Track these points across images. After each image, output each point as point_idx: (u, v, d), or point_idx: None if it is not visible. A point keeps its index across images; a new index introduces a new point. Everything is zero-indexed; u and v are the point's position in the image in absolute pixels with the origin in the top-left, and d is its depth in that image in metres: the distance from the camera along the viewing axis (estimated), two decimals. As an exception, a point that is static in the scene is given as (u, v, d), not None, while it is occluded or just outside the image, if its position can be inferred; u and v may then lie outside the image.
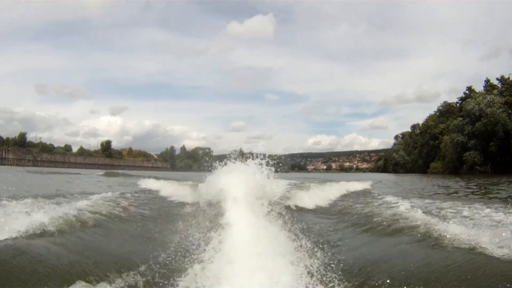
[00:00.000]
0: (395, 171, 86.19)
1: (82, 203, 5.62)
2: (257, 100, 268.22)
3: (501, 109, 43.35)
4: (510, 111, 43.73)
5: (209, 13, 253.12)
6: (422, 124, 76.60)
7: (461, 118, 47.68)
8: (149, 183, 14.06)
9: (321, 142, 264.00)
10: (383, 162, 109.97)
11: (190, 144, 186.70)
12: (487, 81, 53.95)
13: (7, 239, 3.23)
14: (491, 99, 44.29)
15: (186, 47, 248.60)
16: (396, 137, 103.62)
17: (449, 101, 68.44)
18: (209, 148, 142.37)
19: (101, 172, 37.81)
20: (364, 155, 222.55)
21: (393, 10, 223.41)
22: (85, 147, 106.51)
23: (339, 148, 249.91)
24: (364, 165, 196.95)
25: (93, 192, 8.74)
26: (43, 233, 3.63)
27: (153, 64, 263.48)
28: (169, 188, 11.43)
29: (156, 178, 16.90)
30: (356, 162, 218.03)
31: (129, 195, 8.68)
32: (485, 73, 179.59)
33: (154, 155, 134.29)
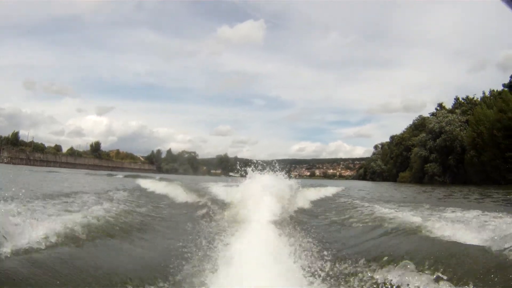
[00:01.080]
0: (372, 179, 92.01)
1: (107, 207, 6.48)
2: (243, 104, 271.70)
3: (460, 127, 49.44)
4: (469, 128, 49.85)
5: (200, 15, 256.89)
6: (398, 135, 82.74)
7: (424, 134, 53.91)
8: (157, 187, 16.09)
9: (306, 148, 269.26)
10: (363, 170, 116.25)
11: (175, 147, 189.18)
12: (456, 99, 60.32)
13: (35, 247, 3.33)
14: (452, 118, 50.42)
15: (176, 49, 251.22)
16: (375, 147, 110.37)
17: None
18: (194, 152, 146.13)
19: (121, 175, 39.24)
20: (348, 162, 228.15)
21: (384, 21, 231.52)
22: (69, 146, 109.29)
23: (323, 155, 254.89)
24: (347, 173, 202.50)
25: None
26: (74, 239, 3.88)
27: (142, 64, 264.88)
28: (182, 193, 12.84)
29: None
30: (339, 170, 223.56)
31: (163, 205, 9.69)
32: (471, 85, 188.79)
33: (141, 157, 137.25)
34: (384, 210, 7.78)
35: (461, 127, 49.21)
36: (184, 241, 4.72)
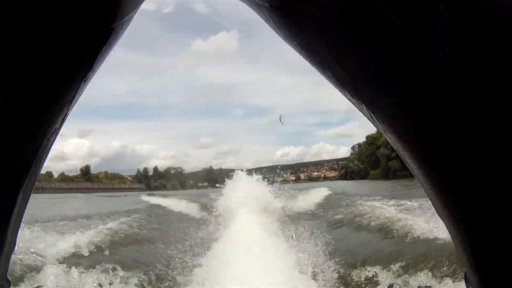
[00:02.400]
0: (351, 178, 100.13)
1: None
2: (224, 115, 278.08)
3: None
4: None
5: (173, 31, 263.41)
6: (371, 135, 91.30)
7: None
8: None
9: (290, 153, 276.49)
10: (344, 171, 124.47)
11: (159, 163, 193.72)
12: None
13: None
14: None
15: (152, 66, 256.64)
16: (352, 147, 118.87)
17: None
18: (180, 167, 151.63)
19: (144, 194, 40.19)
20: (333, 163, 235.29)
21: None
22: (52, 170, 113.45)
23: (307, 158, 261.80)
24: (332, 174, 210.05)
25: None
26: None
27: (120, 85, 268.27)
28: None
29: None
30: (324, 171, 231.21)
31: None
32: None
33: (128, 177, 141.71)
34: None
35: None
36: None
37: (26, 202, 0.61)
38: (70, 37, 0.46)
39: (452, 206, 0.49)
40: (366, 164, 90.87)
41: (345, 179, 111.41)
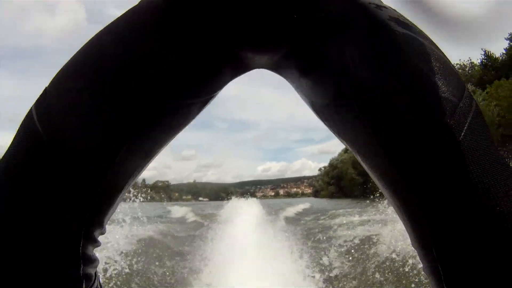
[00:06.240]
0: (315, 196, 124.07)
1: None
2: (206, 128, 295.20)
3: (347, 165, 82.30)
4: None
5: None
6: (334, 158, 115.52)
7: (328, 167, 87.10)
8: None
9: (271, 168, 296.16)
10: (314, 189, 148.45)
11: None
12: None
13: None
14: (344, 157, 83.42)
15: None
16: (320, 169, 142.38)
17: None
18: (167, 181, 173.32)
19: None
20: (312, 180, 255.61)
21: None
22: None
23: (288, 174, 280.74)
24: (309, 190, 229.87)
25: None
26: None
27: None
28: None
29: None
30: (303, 188, 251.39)
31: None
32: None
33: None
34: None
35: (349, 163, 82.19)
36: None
37: None
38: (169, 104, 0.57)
39: (416, 215, 0.50)
40: (325, 184, 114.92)
41: (315, 196, 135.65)
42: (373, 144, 0.54)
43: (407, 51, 0.52)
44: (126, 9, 0.57)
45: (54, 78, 0.57)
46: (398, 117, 0.51)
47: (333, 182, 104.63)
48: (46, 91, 0.57)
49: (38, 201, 0.52)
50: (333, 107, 0.59)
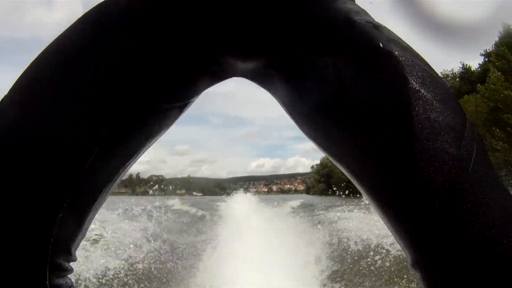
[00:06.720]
0: (307, 192, 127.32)
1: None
2: (201, 123, 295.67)
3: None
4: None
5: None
6: (322, 158, 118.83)
7: (319, 166, 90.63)
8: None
9: (265, 165, 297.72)
10: (306, 186, 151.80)
11: (134, 168, 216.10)
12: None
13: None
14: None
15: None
16: (312, 167, 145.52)
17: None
18: (162, 175, 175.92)
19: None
20: (305, 177, 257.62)
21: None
22: None
23: (282, 171, 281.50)
24: (302, 187, 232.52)
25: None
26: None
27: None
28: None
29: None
30: (296, 184, 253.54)
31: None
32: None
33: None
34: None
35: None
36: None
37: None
38: (148, 108, 0.54)
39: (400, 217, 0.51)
40: (316, 182, 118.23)
41: (307, 193, 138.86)
42: (363, 161, 0.54)
43: (404, 73, 0.52)
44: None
45: (18, 78, 0.51)
46: (394, 138, 0.50)
47: (323, 180, 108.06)
48: (4, 98, 0.50)
49: None
50: (316, 117, 0.59)
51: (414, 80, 0.52)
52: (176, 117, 0.63)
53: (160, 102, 0.56)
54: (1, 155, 0.46)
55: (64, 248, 0.50)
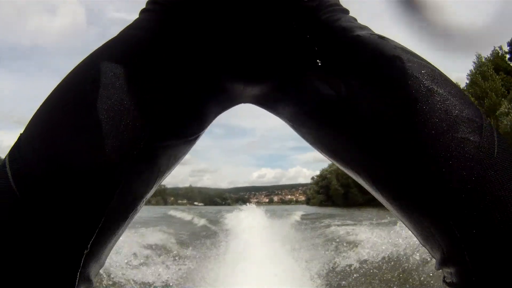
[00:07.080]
0: (307, 203, 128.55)
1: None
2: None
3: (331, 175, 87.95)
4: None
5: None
6: (324, 169, 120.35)
7: (318, 178, 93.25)
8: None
9: (266, 175, 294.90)
10: (307, 197, 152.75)
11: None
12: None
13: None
14: (332, 169, 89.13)
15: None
16: (312, 178, 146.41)
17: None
18: (164, 185, 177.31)
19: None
20: (306, 188, 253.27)
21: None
22: None
23: (283, 181, 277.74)
24: (303, 198, 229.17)
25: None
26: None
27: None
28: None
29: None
30: (297, 195, 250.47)
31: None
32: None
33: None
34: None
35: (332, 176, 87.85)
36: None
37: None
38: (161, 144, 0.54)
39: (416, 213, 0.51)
40: (316, 193, 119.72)
41: (307, 204, 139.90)
42: (381, 165, 0.55)
43: (416, 72, 0.53)
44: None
45: (31, 121, 0.51)
46: (414, 135, 0.50)
47: (322, 191, 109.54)
48: (20, 139, 0.49)
49: (8, 274, 0.43)
50: (329, 135, 0.61)
51: (425, 79, 0.53)
52: (186, 151, 0.66)
53: (171, 138, 0.59)
54: (21, 204, 0.44)
55: (86, 276, 0.51)
